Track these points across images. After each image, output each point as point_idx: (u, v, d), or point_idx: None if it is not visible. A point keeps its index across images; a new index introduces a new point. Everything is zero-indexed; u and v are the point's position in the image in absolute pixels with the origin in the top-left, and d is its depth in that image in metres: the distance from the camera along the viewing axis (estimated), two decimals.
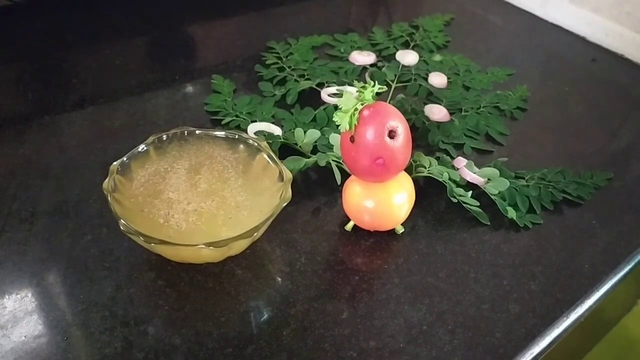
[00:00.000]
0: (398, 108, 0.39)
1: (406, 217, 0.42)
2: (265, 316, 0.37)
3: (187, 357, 0.34)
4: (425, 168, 0.46)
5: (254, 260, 0.40)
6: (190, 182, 0.41)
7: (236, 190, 0.41)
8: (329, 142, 0.48)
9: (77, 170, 0.46)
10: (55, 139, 0.49)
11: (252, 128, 0.50)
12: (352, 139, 0.37)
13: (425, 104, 0.56)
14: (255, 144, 0.43)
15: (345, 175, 0.43)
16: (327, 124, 0.52)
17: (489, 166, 0.47)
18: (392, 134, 0.37)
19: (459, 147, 0.52)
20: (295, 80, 0.58)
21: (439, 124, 0.54)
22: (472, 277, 0.40)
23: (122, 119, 0.52)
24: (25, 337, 0.34)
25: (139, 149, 0.41)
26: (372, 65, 0.63)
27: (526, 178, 0.48)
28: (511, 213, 0.44)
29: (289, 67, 0.60)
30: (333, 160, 0.45)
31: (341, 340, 0.35)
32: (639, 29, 0.67)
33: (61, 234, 0.40)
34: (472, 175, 0.46)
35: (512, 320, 0.37)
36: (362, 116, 0.37)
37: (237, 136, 0.43)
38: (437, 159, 0.48)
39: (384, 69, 0.61)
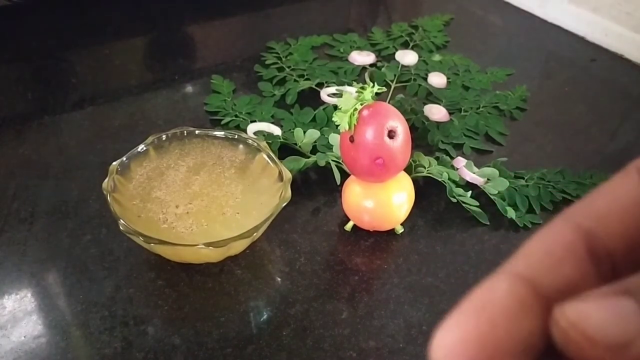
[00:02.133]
0: (397, 108, 0.39)
1: (406, 217, 0.42)
2: (265, 316, 0.37)
3: (187, 357, 0.34)
4: (425, 168, 0.46)
5: (254, 260, 0.40)
6: (189, 182, 0.41)
7: (236, 190, 0.41)
8: (328, 142, 0.48)
9: (76, 170, 0.46)
10: (55, 139, 0.49)
11: (252, 128, 0.50)
12: (351, 139, 0.37)
13: (425, 104, 0.56)
14: (255, 144, 0.43)
15: (344, 175, 0.43)
16: (326, 124, 0.52)
17: (489, 166, 0.47)
18: (391, 134, 0.37)
19: (458, 147, 0.52)
20: (295, 80, 0.58)
21: (438, 124, 0.54)
22: (472, 277, 0.40)
23: (122, 119, 0.52)
24: (24, 337, 0.34)
25: (139, 149, 0.41)
26: (371, 65, 0.63)
27: (526, 178, 0.48)
28: (511, 213, 0.44)
29: (289, 67, 0.60)
30: (332, 160, 0.45)
31: (341, 340, 0.35)
32: (639, 29, 0.67)
33: (61, 234, 0.40)
34: (471, 175, 0.46)
35: None
36: (362, 116, 0.37)
37: (236, 136, 0.43)
38: (437, 159, 0.48)
39: (383, 69, 0.61)
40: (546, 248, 0.13)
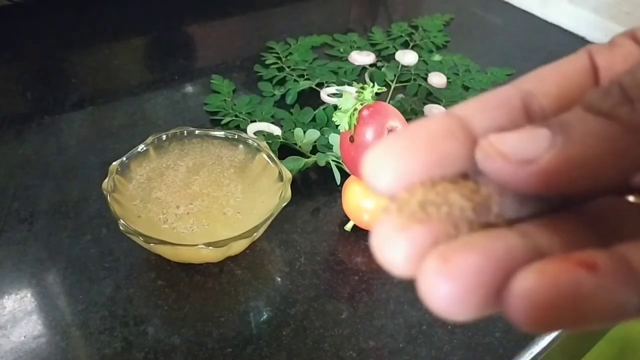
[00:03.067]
0: (397, 108, 0.39)
1: None
2: (265, 316, 0.37)
3: (187, 357, 0.34)
4: None
5: (254, 260, 0.40)
6: (189, 182, 0.41)
7: (235, 190, 0.41)
8: (328, 142, 0.48)
9: (76, 171, 0.46)
10: (55, 139, 0.49)
11: (252, 128, 0.50)
12: (351, 139, 0.37)
13: (425, 104, 0.56)
14: (255, 144, 0.43)
15: (344, 175, 0.43)
16: (326, 124, 0.52)
17: None
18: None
19: None
20: (295, 80, 0.58)
21: None
22: None
23: (122, 119, 0.52)
24: (24, 337, 0.34)
25: (139, 149, 0.41)
26: (371, 65, 0.63)
27: None
28: None
29: (289, 67, 0.60)
30: (333, 160, 0.45)
31: (341, 340, 0.35)
32: None
33: (60, 234, 0.40)
34: None
35: None
36: (362, 116, 0.37)
37: (236, 136, 0.43)
38: None
39: (383, 69, 0.61)
40: (485, 98, 0.14)
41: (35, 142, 0.49)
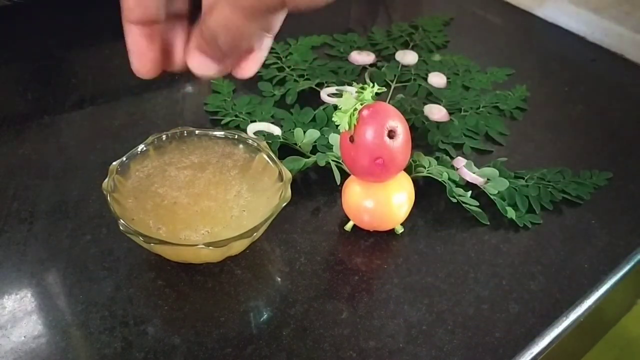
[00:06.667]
0: (397, 108, 0.39)
1: (406, 217, 0.42)
2: (265, 316, 0.37)
3: (187, 357, 0.34)
4: (425, 168, 0.46)
5: (254, 260, 0.40)
6: (189, 182, 0.41)
7: (235, 190, 0.41)
8: (328, 142, 0.48)
9: (76, 170, 0.46)
10: (55, 139, 0.49)
11: (252, 128, 0.50)
12: (351, 139, 0.37)
13: (425, 104, 0.56)
14: (255, 144, 0.43)
15: (344, 175, 0.44)
16: (326, 124, 0.52)
17: (489, 166, 0.47)
18: (391, 134, 0.37)
19: (458, 147, 0.52)
20: (295, 80, 0.58)
21: (438, 124, 0.54)
22: (472, 277, 0.40)
23: (122, 119, 0.52)
24: (24, 337, 0.34)
25: (139, 149, 0.41)
26: (371, 65, 0.63)
27: (525, 178, 0.48)
28: (510, 213, 0.44)
29: (289, 67, 0.60)
30: (333, 160, 0.45)
31: (341, 340, 0.35)
32: (639, 29, 0.67)
33: (60, 234, 0.40)
34: (471, 175, 0.46)
35: (512, 320, 0.37)
36: (362, 116, 0.37)
37: (236, 136, 0.43)
38: (437, 159, 0.48)
39: (383, 68, 0.61)
40: None
41: (35, 142, 0.49)
